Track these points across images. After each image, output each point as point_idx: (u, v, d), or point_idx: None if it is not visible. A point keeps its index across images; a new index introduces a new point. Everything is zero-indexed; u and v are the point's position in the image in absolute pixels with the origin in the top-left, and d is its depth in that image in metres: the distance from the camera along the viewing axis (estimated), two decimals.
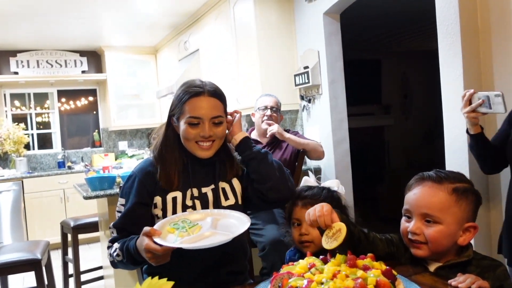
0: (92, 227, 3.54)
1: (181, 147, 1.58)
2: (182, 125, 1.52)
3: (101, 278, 3.73)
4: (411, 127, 6.72)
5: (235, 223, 1.43)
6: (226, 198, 1.60)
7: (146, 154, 5.64)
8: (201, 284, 1.53)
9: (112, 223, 1.55)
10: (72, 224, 3.49)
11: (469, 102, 1.81)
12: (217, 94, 1.55)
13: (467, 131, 1.91)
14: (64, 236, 3.69)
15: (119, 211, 1.56)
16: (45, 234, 4.90)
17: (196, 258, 1.49)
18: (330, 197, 1.57)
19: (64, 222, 3.67)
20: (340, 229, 1.18)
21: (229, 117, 1.63)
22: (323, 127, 3.52)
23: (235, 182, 1.65)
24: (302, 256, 1.37)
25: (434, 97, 3.77)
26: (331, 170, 3.44)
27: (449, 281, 1.15)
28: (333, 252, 1.18)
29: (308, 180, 1.71)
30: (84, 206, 4.77)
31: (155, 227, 1.36)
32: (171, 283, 0.99)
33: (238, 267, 1.63)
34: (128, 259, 1.43)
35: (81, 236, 3.52)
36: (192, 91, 1.52)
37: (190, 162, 1.58)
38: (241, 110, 4.08)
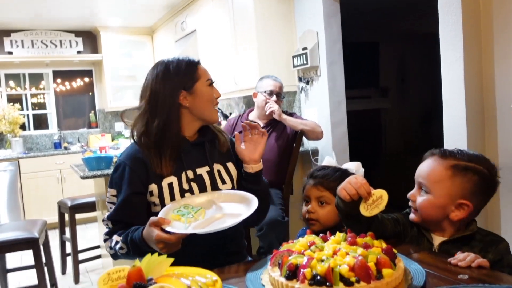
0: (89, 207, 3.55)
1: (176, 128, 1.53)
2: (204, 88, 1.55)
3: (98, 257, 3.75)
4: (408, 111, 6.71)
5: (239, 204, 1.42)
6: (223, 182, 1.59)
7: None
8: (201, 265, 1.50)
9: (106, 216, 1.50)
10: (69, 204, 3.50)
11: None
12: None
13: None
14: (61, 215, 3.69)
15: (111, 202, 1.51)
16: (42, 214, 4.90)
17: (196, 242, 1.46)
18: (342, 178, 1.56)
19: (61, 202, 3.67)
20: (381, 196, 1.19)
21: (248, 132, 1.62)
22: (321, 109, 3.51)
23: (231, 166, 1.63)
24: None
25: (432, 81, 3.76)
26: (329, 152, 3.44)
27: (449, 259, 1.16)
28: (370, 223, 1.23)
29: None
30: (81, 187, 4.79)
31: (160, 215, 1.34)
32: (171, 259, 0.99)
33: (236, 247, 1.64)
34: (135, 251, 1.39)
35: (78, 216, 3.53)
36: (194, 59, 1.58)
37: (182, 144, 1.55)
38: (238, 92, 4.07)
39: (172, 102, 1.52)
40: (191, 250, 1.47)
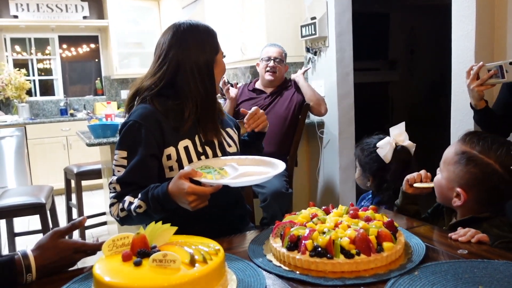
0: (95, 174, 3.58)
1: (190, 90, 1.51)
2: (221, 60, 1.58)
3: (104, 223, 3.81)
4: (416, 84, 6.63)
5: (255, 166, 1.44)
6: (229, 145, 1.59)
7: None
8: (207, 231, 1.49)
9: (114, 178, 1.41)
10: (75, 170, 3.53)
11: (477, 76, 1.74)
12: None
13: (471, 106, 1.85)
14: (67, 182, 3.74)
15: (120, 165, 1.42)
16: (49, 179, 4.96)
17: (203, 209, 1.40)
18: (361, 147, 1.89)
19: (67, 168, 3.71)
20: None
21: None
22: (328, 81, 3.47)
23: (231, 131, 1.64)
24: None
25: (441, 54, 3.69)
26: (335, 125, 3.43)
27: (449, 234, 1.17)
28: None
29: (399, 129, 1.85)
30: (86, 154, 4.83)
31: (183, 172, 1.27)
32: (174, 228, 1.01)
33: (242, 211, 1.66)
34: (156, 208, 1.31)
35: (84, 183, 3.57)
36: (214, 31, 1.61)
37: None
38: (245, 61, 4.03)
39: (207, 60, 1.53)
40: (197, 213, 1.47)
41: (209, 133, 1.52)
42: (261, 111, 1.65)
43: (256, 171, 1.37)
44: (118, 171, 1.42)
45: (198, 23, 1.57)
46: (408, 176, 1.46)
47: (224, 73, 1.65)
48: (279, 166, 1.36)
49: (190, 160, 1.46)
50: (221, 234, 1.31)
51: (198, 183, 1.24)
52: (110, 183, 1.43)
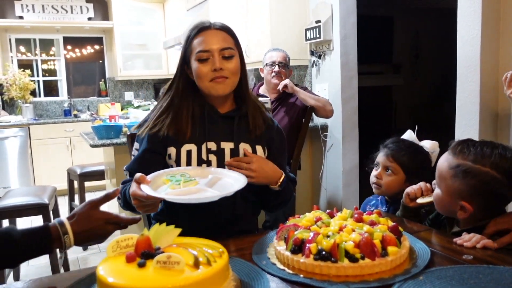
0: (98, 175, 3.59)
1: (195, 96, 1.51)
2: (194, 64, 1.46)
3: None
4: (420, 88, 6.62)
5: (232, 182, 1.34)
6: None
7: (152, 105, 5.62)
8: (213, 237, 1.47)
9: (126, 165, 1.53)
10: (78, 171, 3.54)
11: None
12: (226, 28, 1.50)
13: None
14: (70, 183, 3.74)
15: (133, 155, 1.55)
16: (52, 180, 4.96)
17: (204, 217, 1.46)
18: (413, 154, 1.71)
19: (70, 169, 3.72)
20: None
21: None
22: (332, 84, 3.47)
23: (259, 150, 1.53)
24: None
25: (446, 58, 3.69)
26: (338, 128, 3.43)
27: (455, 239, 1.16)
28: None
29: (410, 136, 1.82)
30: (89, 155, 4.84)
31: (150, 176, 1.30)
32: (179, 230, 1.00)
33: (247, 226, 1.59)
34: (125, 203, 1.42)
35: (87, 184, 3.58)
36: (199, 26, 1.48)
37: (207, 113, 1.50)
38: (250, 64, 4.04)
39: (181, 70, 1.52)
40: (201, 223, 1.47)
41: (221, 142, 1.49)
42: (254, 157, 1.45)
43: (223, 185, 1.32)
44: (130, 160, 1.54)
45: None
46: (408, 190, 1.44)
47: (209, 76, 1.44)
48: (236, 185, 1.29)
49: (189, 164, 1.47)
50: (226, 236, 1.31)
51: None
52: (124, 169, 1.54)
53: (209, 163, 1.47)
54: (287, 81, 2.98)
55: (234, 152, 1.49)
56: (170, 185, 1.28)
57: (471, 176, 1.19)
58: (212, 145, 1.48)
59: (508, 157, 1.20)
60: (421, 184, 1.43)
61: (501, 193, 1.21)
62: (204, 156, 1.47)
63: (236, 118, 1.52)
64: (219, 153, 1.48)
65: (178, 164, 1.47)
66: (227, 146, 1.49)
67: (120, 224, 1.20)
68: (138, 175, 1.26)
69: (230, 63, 1.45)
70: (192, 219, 1.47)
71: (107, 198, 1.24)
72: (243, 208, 1.55)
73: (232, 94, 1.53)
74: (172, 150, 1.47)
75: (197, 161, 1.47)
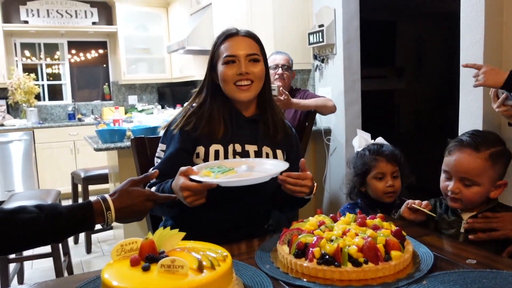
0: (102, 179, 3.60)
1: (222, 100, 1.56)
2: (220, 68, 1.52)
3: (110, 228, 3.81)
4: (423, 92, 6.61)
5: (271, 168, 1.38)
6: None
7: (156, 109, 5.63)
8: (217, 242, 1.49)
9: (152, 168, 1.53)
10: (82, 175, 3.55)
11: (497, 97, 1.84)
12: (252, 35, 1.56)
13: (510, 124, 2.01)
14: (74, 186, 3.76)
15: (158, 157, 1.56)
16: (56, 183, 4.99)
17: (216, 221, 1.50)
18: (399, 155, 1.81)
19: (74, 173, 3.73)
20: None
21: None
22: (335, 88, 3.47)
23: (279, 154, 1.60)
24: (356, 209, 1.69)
25: (449, 62, 3.69)
26: (341, 132, 3.43)
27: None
28: None
29: (363, 136, 1.94)
30: (93, 159, 4.85)
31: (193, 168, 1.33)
32: (183, 234, 1.01)
33: (256, 231, 1.60)
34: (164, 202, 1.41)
35: (91, 187, 3.59)
36: (226, 32, 1.54)
37: (234, 116, 1.56)
38: None
39: (209, 77, 1.58)
40: (210, 225, 1.51)
41: (246, 145, 1.55)
42: (309, 173, 1.43)
43: (261, 170, 1.37)
44: (156, 162, 1.55)
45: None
46: (410, 201, 1.48)
47: (235, 79, 1.51)
48: (280, 167, 1.35)
49: None
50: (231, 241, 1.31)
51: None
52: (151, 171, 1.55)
53: None
54: (281, 98, 2.81)
55: (258, 155, 1.55)
56: (215, 175, 1.30)
57: (504, 155, 1.40)
58: (238, 147, 1.54)
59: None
60: (424, 202, 1.49)
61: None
62: (230, 157, 1.52)
63: (260, 122, 1.58)
64: (244, 154, 1.54)
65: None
66: (251, 148, 1.55)
67: (158, 201, 1.27)
68: (183, 168, 1.30)
69: (256, 67, 1.51)
70: (203, 223, 1.51)
71: (146, 178, 1.31)
72: (257, 213, 1.59)
73: (256, 99, 1.58)
74: (200, 149, 1.52)
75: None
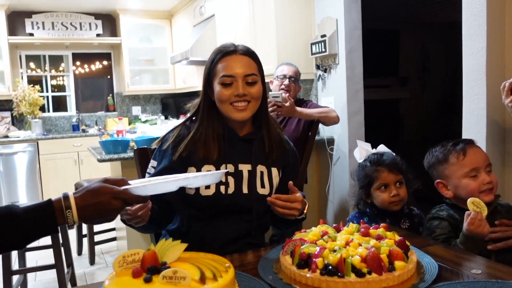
0: None
1: (216, 118, 1.52)
2: (216, 87, 1.47)
3: (114, 239, 3.81)
4: (428, 101, 6.60)
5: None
6: (262, 186, 1.53)
7: (159, 120, 5.65)
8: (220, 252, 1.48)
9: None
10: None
11: (511, 91, 1.81)
12: (250, 53, 1.51)
13: None
14: None
15: (148, 173, 1.54)
16: (59, 195, 4.98)
17: (217, 235, 1.50)
18: (400, 162, 1.80)
19: (78, 183, 3.73)
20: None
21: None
22: (338, 98, 3.47)
23: (274, 172, 1.57)
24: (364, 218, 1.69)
25: (453, 71, 3.69)
26: (345, 142, 3.42)
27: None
28: None
29: (364, 146, 1.91)
30: (97, 169, 4.86)
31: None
32: (185, 245, 1.00)
33: (256, 241, 1.59)
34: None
35: None
36: (224, 50, 1.49)
37: (228, 135, 1.52)
38: None
39: (204, 92, 1.53)
40: (212, 240, 1.50)
41: (240, 164, 1.52)
42: (299, 194, 1.43)
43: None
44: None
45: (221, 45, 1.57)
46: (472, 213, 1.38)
47: (232, 99, 1.47)
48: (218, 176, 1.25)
49: (207, 187, 1.48)
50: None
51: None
52: None
53: (227, 185, 1.49)
54: (283, 110, 2.80)
55: (252, 174, 1.51)
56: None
57: None
58: (230, 167, 1.50)
59: None
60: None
61: None
62: (222, 178, 1.47)
63: (255, 141, 1.54)
64: (237, 175, 1.50)
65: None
66: (245, 168, 1.51)
67: (127, 200, 1.09)
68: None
69: (253, 88, 1.48)
70: (206, 238, 1.50)
71: (123, 181, 1.12)
72: (256, 224, 1.56)
73: (252, 117, 1.54)
74: (192, 170, 1.48)
75: (216, 187, 1.48)
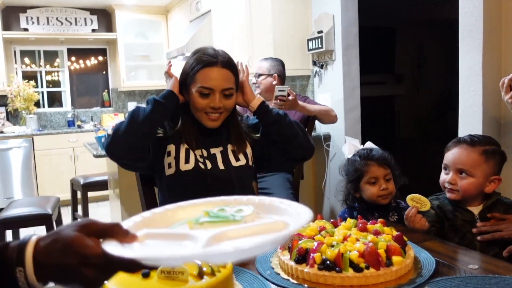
0: (101, 185, 3.59)
1: (192, 117, 1.61)
2: (193, 94, 1.54)
3: None
4: (423, 98, 6.63)
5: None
6: (237, 159, 1.61)
7: None
8: None
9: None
10: (82, 181, 3.54)
11: (510, 87, 1.83)
12: (230, 65, 1.56)
13: None
14: (74, 193, 3.75)
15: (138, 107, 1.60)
16: (55, 190, 4.97)
17: None
18: (389, 158, 1.81)
19: (74, 179, 3.73)
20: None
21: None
22: (334, 94, 3.48)
23: (245, 145, 1.67)
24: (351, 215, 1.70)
25: (449, 68, 3.70)
26: (341, 138, 3.42)
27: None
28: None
29: (352, 142, 1.92)
30: (93, 165, 4.84)
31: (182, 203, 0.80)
32: None
33: None
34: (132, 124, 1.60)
35: (90, 194, 3.58)
36: (205, 60, 1.52)
37: (200, 130, 1.61)
38: (252, 74, 4.04)
39: (181, 88, 1.60)
40: None
41: (211, 148, 1.61)
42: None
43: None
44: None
45: (203, 49, 1.62)
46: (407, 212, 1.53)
47: (207, 110, 1.56)
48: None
49: (187, 161, 1.55)
50: None
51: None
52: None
53: (205, 164, 1.56)
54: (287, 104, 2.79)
55: (224, 153, 1.60)
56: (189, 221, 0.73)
57: (498, 153, 1.52)
58: (204, 152, 1.59)
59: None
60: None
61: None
62: (200, 159, 1.56)
63: (223, 128, 1.62)
64: (211, 157, 1.59)
65: (177, 160, 1.55)
66: (217, 150, 1.61)
67: (109, 268, 0.65)
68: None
69: (228, 100, 1.55)
70: None
71: (114, 228, 0.67)
72: None
73: None
74: (171, 148, 1.57)
75: (195, 161, 1.55)
